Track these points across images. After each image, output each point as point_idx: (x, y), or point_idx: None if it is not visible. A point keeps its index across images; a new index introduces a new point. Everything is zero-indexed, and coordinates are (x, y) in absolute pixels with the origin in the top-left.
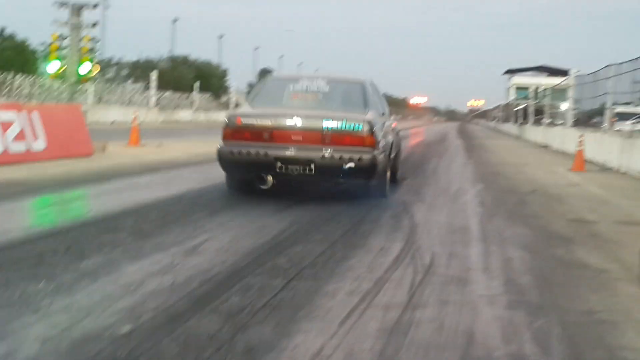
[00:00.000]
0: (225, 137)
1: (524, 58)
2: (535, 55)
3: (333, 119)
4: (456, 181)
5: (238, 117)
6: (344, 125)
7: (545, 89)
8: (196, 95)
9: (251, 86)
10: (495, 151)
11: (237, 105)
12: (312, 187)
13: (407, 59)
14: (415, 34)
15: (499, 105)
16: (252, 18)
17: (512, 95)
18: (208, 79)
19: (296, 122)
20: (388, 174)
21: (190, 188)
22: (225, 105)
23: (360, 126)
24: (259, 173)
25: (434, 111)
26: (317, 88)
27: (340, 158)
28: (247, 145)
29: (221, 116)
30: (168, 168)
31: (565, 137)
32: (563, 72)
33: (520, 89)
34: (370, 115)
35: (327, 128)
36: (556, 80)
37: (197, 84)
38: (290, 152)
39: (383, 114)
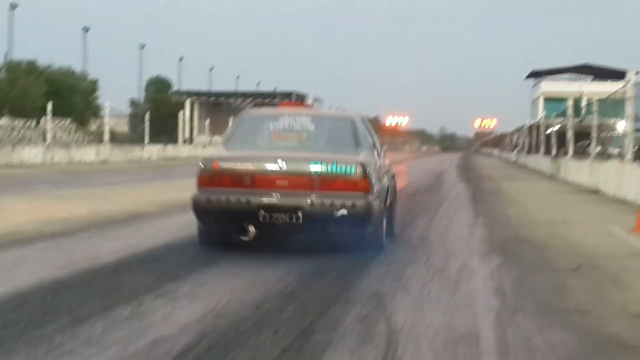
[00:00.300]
0: (201, 184)
1: (554, 54)
2: (571, 50)
3: (322, 161)
4: (458, 254)
5: (215, 161)
6: (334, 168)
7: (590, 101)
8: (50, 121)
9: (135, 104)
10: (517, 201)
11: (113, 136)
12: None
13: (379, 58)
14: (391, 20)
15: (521, 127)
16: (135, 2)
17: (541, 111)
18: (68, 97)
19: (281, 165)
20: (384, 222)
21: (43, 278)
22: (98, 136)
23: (353, 168)
24: (240, 223)
25: (422, 136)
26: (301, 126)
27: (331, 205)
28: (226, 192)
29: (89, 154)
30: (6, 245)
31: (624, 177)
32: (617, 74)
33: (553, 100)
34: (363, 156)
35: (316, 171)
36: (607, 87)
37: (49, 105)
38: (274, 199)
39: (377, 154)
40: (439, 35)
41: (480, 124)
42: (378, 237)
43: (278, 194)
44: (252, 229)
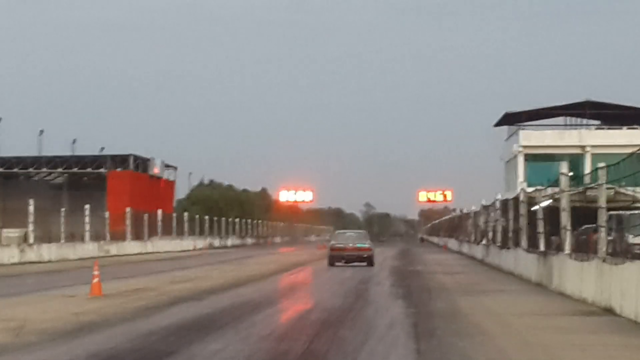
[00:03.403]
0: (331, 250)
1: (537, 85)
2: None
3: (361, 242)
4: None
5: (333, 244)
6: (363, 245)
7: (598, 160)
8: None
9: None
10: (485, 332)
11: None
12: None
13: (269, 114)
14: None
15: (491, 204)
16: None
17: (521, 178)
18: None
19: (350, 244)
20: (374, 259)
21: None
22: None
23: (367, 245)
24: (340, 260)
25: (337, 219)
26: (353, 235)
27: (363, 254)
28: (337, 252)
29: None
30: None
31: None
32: (639, 116)
33: (539, 160)
34: (369, 243)
35: (359, 246)
36: (623, 136)
37: None
38: (349, 253)
39: (371, 241)
40: (356, 60)
41: (427, 198)
42: (372, 262)
43: (350, 252)
44: (343, 261)
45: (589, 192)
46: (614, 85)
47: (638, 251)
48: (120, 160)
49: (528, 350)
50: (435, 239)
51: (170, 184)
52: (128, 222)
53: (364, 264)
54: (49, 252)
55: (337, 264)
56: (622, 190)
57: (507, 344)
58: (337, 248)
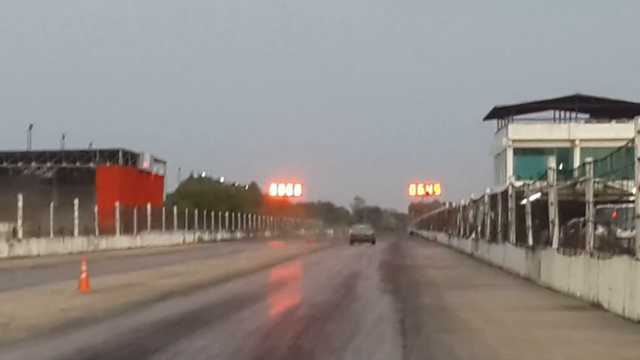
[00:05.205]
0: (350, 235)
1: (526, 77)
2: (549, 74)
3: (368, 231)
4: None
5: (352, 232)
6: (369, 232)
7: (587, 154)
8: None
9: None
10: (472, 328)
11: None
12: None
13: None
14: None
15: (480, 198)
16: None
17: (510, 172)
18: None
19: (362, 232)
20: (375, 240)
21: None
22: None
23: (371, 232)
24: (356, 241)
25: (327, 212)
26: (363, 226)
27: (369, 237)
28: (355, 236)
29: None
30: None
31: (638, 283)
32: (625, 109)
33: (527, 153)
34: (372, 231)
35: (366, 234)
36: (611, 130)
37: None
38: (361, 237)
39: (373, 230)
40: (341, 53)
41: (417, 192)
42: (374, 242)
43: (361, 237)
44: (358, 242)
45: (578, 186)
46: (604, 80)
47: (626, 246)
48: (110, 155)
49: (515, 345)
50: (425, 233)
51: (160, 179)
52: (117, 216)
53: (370, 242)
54: (38, 246)
55: (354, 243)
56: (610, 183)
57: (494, 340)
58: (354, 234)
